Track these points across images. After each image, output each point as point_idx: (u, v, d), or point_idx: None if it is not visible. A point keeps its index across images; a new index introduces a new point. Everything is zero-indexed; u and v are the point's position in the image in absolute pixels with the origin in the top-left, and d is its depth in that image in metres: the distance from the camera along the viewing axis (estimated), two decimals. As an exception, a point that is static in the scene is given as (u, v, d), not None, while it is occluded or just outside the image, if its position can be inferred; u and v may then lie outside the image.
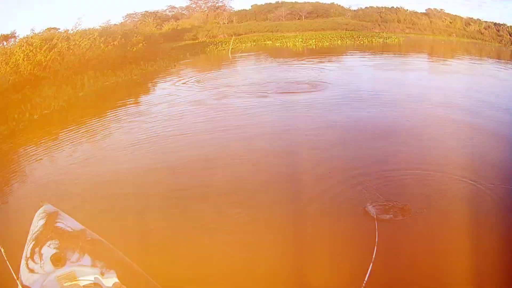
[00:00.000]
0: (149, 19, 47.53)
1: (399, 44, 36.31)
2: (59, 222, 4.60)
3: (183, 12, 57.08)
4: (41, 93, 15.94)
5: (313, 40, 37.89)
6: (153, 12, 53.37)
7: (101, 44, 22.58)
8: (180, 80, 19.74)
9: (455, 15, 47.92)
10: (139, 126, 12.00)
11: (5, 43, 24.27)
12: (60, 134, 11.70)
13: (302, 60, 25.91)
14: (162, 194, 7.12)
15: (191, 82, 18.86)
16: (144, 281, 4.12)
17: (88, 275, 3.94)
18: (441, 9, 49.14)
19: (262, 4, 56.66)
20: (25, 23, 68.27)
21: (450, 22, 46.88)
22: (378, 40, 38.21)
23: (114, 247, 4.41)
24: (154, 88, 19.30)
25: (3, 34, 25.25)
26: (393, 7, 51.16)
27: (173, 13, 56.37)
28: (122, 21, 49.29)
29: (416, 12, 50.59)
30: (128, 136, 10.98)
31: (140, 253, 4.99)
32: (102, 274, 3.97)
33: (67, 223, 4.63)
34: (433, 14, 48.94)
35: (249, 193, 7.04)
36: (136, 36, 27.09)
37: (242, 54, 31.19)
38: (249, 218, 6.25)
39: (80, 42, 21.47)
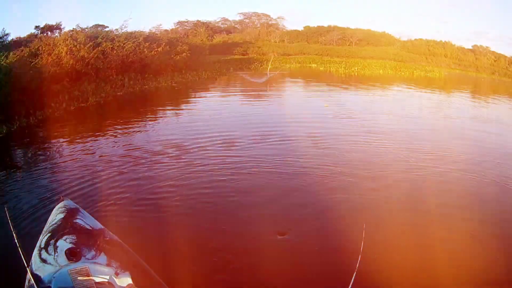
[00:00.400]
0: (201, 29, 48.96)
1: (439, 79, 35.77)
2: (78, 218, 4.75)
3: (235, 26, 58.53)
4: (80, 87, 17.23)
5: (356, 68, 38.25)
6: (205, 22, 54.94)
7: (145, 49, 23.74)
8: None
9: (500, 53, 47.68)
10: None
11: (49, 33, 25.55)
12: (93, 126, 12.69)
13: (330, 86, 26.41)
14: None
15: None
16: (158, 287, 4.17)
17: (102, 273, 4.09)
18: (487, 47, 48.89)
19: (314, 27, 57.51)
20: (72, 15, 71.23)
21: (495, 61, 46.07)
22: (419, 73, 37.89)
23: (132, 250, 4.54)
24: (187, 99, 19.91)
25: (48, 24, 26.36)
26: (441, 41, 51.27)
27: (226, 25, 57.94)
28: (173, 27, 51.07)
29: (463, 48, 50.40)
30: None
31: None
32: (116, 274, 4.12)
33: (87, 221, 4.78)
34: (479, 51, 48.22)
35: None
36: (181, 45, 28.35)
37: (281, 72, 31.63)
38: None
39: (124, 44, 22.66)
